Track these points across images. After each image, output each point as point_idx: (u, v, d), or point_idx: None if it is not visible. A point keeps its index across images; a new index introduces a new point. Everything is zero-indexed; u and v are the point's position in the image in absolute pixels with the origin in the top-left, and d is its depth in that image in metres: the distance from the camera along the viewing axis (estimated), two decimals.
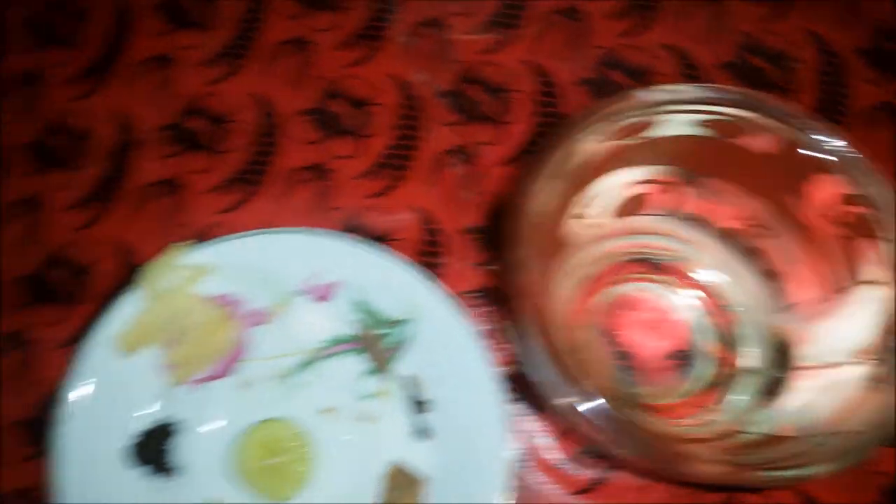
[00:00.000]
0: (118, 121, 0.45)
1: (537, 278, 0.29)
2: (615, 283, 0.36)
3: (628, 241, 0.36)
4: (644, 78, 0.45)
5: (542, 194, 0.29)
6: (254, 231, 0.40)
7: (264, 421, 0.38)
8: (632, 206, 0.35)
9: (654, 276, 0.37)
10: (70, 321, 0.42)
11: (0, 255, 0.43)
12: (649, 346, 0.37)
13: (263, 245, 0.40)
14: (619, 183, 0.34)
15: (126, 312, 0.38)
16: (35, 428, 0.41)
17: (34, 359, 0.41)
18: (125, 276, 0.43)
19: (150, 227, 0.43)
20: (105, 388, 0.38)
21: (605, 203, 0.34)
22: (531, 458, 0.39)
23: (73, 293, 0.43)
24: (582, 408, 0.27)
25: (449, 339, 0.39)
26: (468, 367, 0.38)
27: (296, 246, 0.40)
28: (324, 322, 0.40)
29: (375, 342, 0.40)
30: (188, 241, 0.40)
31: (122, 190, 0.44)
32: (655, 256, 0.36)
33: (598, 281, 0.36)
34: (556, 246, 0.29)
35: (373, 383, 0.40)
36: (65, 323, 0.42)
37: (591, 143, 0.30)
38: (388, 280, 0.39)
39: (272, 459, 0.37)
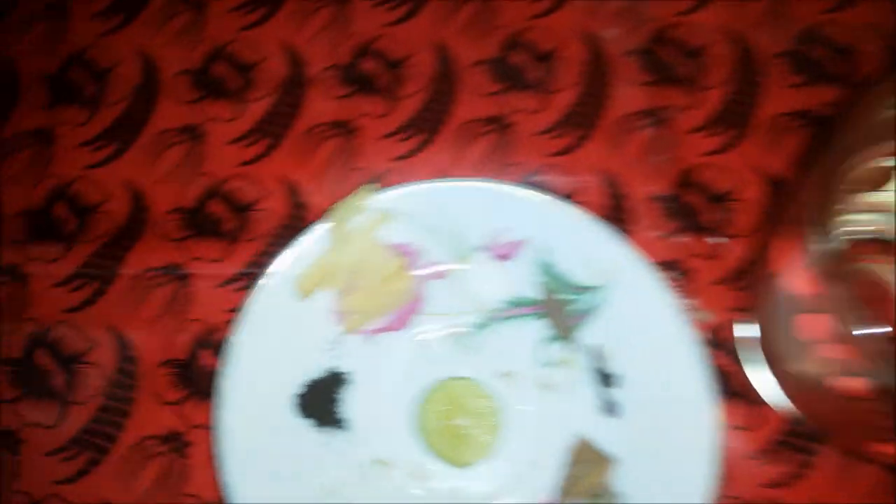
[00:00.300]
0: (288, 55, 0.43)
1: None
2: None
3: (861, 217, 0.33)
4: (845, 56, 0.42)
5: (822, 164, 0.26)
6: (440, 178, 0.38)
7: (450, 379, 0.36)
8: (877, 180, 0.32)
9: (883, 257, 0.34)
10: (231, 258, 0.40)
11: (157, 184, 0.41)
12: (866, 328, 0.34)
13: (449, 194, 0.37)
14: (874, 154, 0.31)
15: (307, 253, 0.36)
16: (185, 369, 0.39)
17: (191, 295, 0.39)
18: (291, 215, 0.40)
19: (319, 168, 0.41)
20: (276, 331, 0.36)
21: (856, 176, 0.31)
22: (724, 448, 0.36)
23: (236, 229, 0.40)
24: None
25: (644, 311, 0.36)
26: (666, 343, 0.35)
27: (481, 198, 0.37)
28: (504, 282, 0.38)
29: (559, 308, 0.38)
30: (374, 185, 0.37)
31: (291, 127, 0.42)
32: (887, 235, 0.34)
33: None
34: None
35: (555, 351, 0.37)
36: (225, 260, 0.40)
37: (876, 111, 0.27)
38: (578, 242, 0.37)
39: (457, 421, 0.35)
